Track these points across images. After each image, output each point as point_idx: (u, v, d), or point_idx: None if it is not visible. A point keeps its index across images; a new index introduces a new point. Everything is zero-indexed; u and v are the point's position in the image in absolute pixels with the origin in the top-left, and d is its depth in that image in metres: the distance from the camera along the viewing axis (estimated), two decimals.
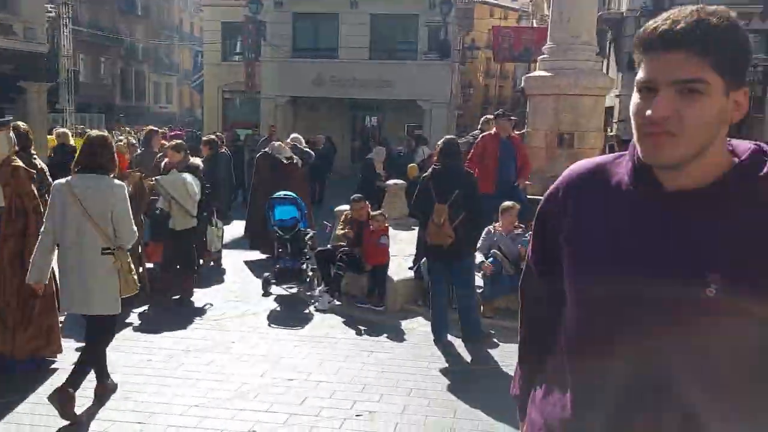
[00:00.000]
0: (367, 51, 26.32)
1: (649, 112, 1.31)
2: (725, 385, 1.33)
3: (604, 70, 27.81)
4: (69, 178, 4.64)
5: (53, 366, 5.51)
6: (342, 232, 8.07)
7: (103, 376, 4.86)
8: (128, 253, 4.75)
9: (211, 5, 30.22)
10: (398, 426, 4.66)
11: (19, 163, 5.25)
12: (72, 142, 13.10)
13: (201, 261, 8.86)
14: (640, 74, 1.35)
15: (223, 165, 10.63)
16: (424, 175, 6.85)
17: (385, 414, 4.84)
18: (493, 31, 31.41)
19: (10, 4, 24.57)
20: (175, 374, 5.51)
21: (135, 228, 4.79)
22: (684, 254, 1.33)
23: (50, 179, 5.74)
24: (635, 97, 1.38)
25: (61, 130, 13.81)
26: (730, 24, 1.30)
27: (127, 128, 19.14)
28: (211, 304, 7.70)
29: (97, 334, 4.73)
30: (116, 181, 4.74)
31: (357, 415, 4.80)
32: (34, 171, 5.50)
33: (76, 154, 4.89)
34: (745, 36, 1.33)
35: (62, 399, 4.37)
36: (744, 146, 1.40)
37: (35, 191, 5.34)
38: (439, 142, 7.74)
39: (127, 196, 4.76)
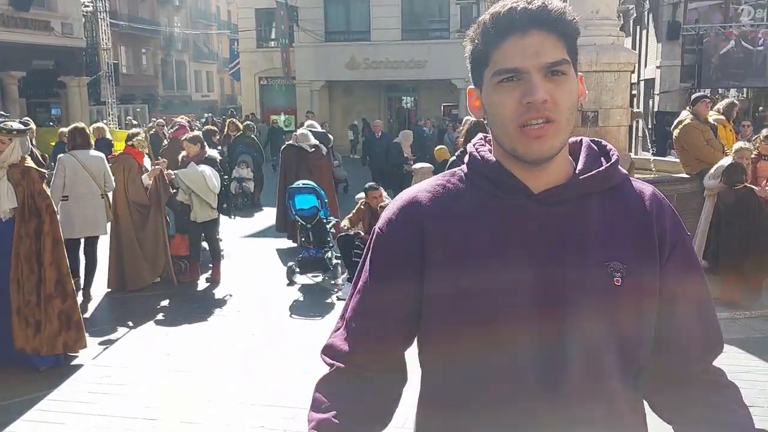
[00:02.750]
0: (399, 32, 26.13)
1: (528, 98, 1.23)
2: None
3: (643, 41, 27.09)
4: (72, 152, 7.28)
5: (75, 362, 5.66)
6: (347, 224, 8.04)
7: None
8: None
9: None
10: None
11: (31, 164, 5.37)
12: (109, 135, 13.73)
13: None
14: (500, 64, 1.26)
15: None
16: (452, 159, 6.77)
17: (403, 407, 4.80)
18: None
19: (47, 1, 25.12)
20: (194, 367, 5.60)
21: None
22: (581, 251, 1.28)
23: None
24: (493, 94, 1.29)
25: (97, 125, 14.58)
26: (568, 9, 1.28)
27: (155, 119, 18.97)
28: (231, 295, 7.80)
29: (94, 247, 7.49)
30: (98, 153, 7.56)
31: None
32: (45, 171, 5.62)
33: (67, 140, 7.61)
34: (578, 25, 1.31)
35: (87, 297, 7.30)
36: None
37: (47, 191, 5.46)
38: (463, 124, 7.60)
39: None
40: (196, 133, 8.77)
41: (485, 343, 1.28)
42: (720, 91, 19.64)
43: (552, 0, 1.27)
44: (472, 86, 1.38)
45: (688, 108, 8.08)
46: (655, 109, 23.77)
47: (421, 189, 1.39)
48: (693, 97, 8.33)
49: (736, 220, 6.74)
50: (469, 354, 1.29)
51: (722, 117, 8.49)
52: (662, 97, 24.37)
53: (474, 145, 1.42)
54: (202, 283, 8.24)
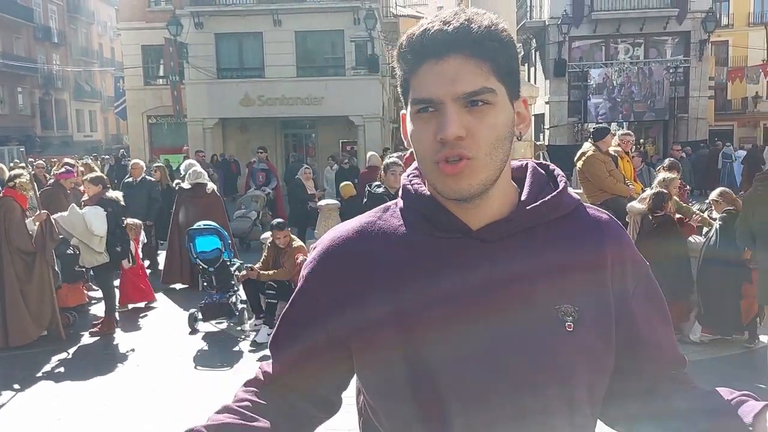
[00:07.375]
0: (294, 69, 25.94)
1: (440, 134, 1.09)
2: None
3: (531, 78, 28.24)
4: None
5: None
6: (260, 266, 7.58)
7: None
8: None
9: (130, 29, 29.29)
10: None
11: None
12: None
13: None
14: (416, 93, 1.12)
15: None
16: (374, 192, 6.63)
17: None
18: None
19: None
20: None
21: None
22: (528, 294, 1.14)
23: None
24: (412, 124, 1.15)
25: None
26: (499, 25, 1.13)
27: (30, 160, 17.30)
28: (127, 348, 7.18)
29: None
30: None
31: None
32: None
33: None
34: (513, 39, 1.17)
35: None
36: (513, 163, 1.27)
37: None
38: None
39: None
40: (98, 173, 8.28)
41: (426, 406, 1.14)
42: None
43: (477, 17, 1.11)
44: (404, 110, 1.21)
45: (589, 140, 8.27)
46: (546, 143, 24.73)
47: (349, 229, 1.25)
48: (595, 129, 8.53)
49: (651, 247, 6.81)
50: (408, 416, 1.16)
51: (620, 148, 8.75)
52: (552, 131, 25.41)
53: (408, 176, 1.27)
54: (92, 336, 7.56)
